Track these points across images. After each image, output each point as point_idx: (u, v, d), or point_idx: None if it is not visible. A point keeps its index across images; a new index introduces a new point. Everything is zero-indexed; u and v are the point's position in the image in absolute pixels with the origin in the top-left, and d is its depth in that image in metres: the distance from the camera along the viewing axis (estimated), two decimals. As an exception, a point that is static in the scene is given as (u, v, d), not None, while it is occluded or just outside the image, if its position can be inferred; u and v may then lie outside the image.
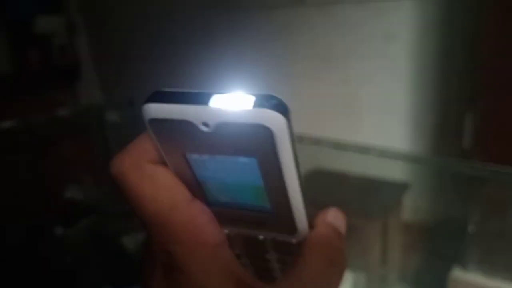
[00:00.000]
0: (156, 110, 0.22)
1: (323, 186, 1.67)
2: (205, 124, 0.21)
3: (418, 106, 1.66)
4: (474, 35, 1.40)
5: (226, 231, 0.27)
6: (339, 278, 0.27)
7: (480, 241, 1.28)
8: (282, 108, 0.20)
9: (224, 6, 2.02)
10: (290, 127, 0.20)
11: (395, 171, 1.55)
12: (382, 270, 1.59)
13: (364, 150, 1.35)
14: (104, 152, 2.12)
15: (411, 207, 1.66)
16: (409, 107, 1.68)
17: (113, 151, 2.09)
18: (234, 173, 0.23)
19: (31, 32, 2.35)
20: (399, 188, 1.59)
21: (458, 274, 1.32)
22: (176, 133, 0.22)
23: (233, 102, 0.21)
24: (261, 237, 0.28)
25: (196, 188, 0.25)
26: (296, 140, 0.21)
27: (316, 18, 1.78)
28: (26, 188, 1.95)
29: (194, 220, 0.24)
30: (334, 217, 0.28)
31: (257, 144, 0.21)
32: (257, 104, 0.20)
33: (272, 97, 0.20)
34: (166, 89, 0.23)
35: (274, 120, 0.20)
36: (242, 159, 0.22)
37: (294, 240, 0.27)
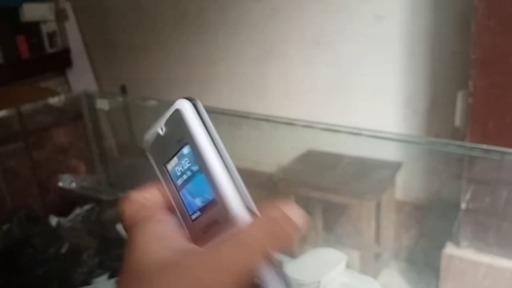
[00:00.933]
0: (148, 135, 0.33)
1: (317, 168, 1.68)
2: (161, 128, 0.31)
3: (410, 86, 1.67)
4: (465, 14, 1.40)
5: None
6: (276, 250, 0.27)
7: (472, 218, 1.30)
8: (188, 98, 0.30)
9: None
10: (198, 111, 0.30)
11: (387, 152, 1.56)
12: (376, 249, 1.61)
13: (356, 131, 1.36)
14: (96, 140, 2.11)
15: (404, 187, 1.68)
16: (401, 88, 1.68)
17: (106, 139, 2.09)
18: (189, 172, 0.30)
19: (20, 20, 2.32)
20: (392, 168, 1.61)
21: (450, 250, 1.34)
22: (156, 148, 0.32)
23: (173, 105, 0.31)
24: None
25: (180, 205, 0.31)
26: (213, 129, 0.29)
27: (306, -1, 1.78)
28: (19, 177, 1.94)
29: (150, 210, 0.31)
30: (290, 210, 0.28)
31: (181, 127, 0.30)
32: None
33: (188, 97, 0.30)
34: None
35: (181, 104, 0.30)
36: (185, 150, 0.30)
37: (234, 230, 0.28)
